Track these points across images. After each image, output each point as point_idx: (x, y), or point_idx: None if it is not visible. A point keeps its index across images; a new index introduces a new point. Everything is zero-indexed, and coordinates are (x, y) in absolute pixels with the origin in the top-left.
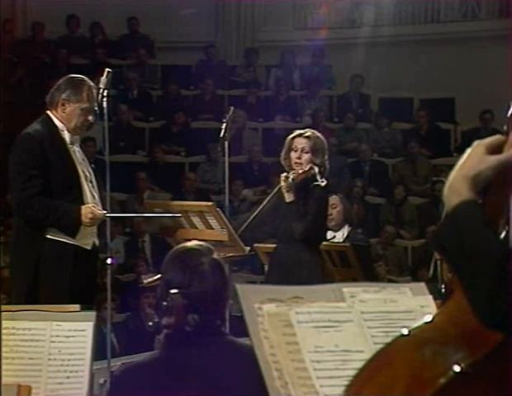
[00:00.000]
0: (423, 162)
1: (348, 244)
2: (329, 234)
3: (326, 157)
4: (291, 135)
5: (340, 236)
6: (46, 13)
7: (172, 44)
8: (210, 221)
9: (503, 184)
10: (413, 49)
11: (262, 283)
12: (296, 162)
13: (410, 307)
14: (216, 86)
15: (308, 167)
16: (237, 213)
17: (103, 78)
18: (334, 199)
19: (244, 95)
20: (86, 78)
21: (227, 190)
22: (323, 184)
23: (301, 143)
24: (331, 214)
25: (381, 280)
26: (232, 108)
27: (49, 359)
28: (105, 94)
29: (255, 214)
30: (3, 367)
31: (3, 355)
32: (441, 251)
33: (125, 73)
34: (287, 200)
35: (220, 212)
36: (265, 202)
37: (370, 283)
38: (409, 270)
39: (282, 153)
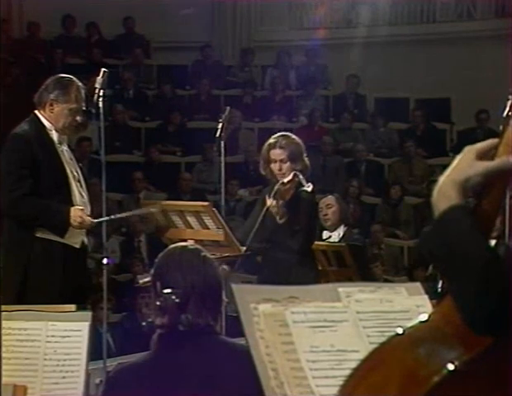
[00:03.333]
0: (419, 162)
1: (343, 244)
2: (325, 234)
3: (305, 155)
4: (266, 147)
5: (336, 236)
6: (42, 13)
7: (168, 44)
8: (206, 221)
9: (496, 190)
10: (409, 49)
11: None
12: (278, 174)
13: (406, 307)
14: (212, 86)
15: (292, 175)
16: (233, 213)
17: (99, 78)
18: (329, 199)
19: (240, 95)
20: (74, 78)
21: (223, 190)
22: (309, 189)
23: (277, 154)
24: (327, 214)
25: (377, 280)
26: (228, 108)
27: (45, 359)
28: (101, 94)
29: (257, 226)
30: None
31: None
32: (429, 255)
33: (121, 72)
34: (279, 221)
35: (216, 212)
36: (260, 218)
37: (366, 283)
38: (405, 270)
39: (261, 164)
